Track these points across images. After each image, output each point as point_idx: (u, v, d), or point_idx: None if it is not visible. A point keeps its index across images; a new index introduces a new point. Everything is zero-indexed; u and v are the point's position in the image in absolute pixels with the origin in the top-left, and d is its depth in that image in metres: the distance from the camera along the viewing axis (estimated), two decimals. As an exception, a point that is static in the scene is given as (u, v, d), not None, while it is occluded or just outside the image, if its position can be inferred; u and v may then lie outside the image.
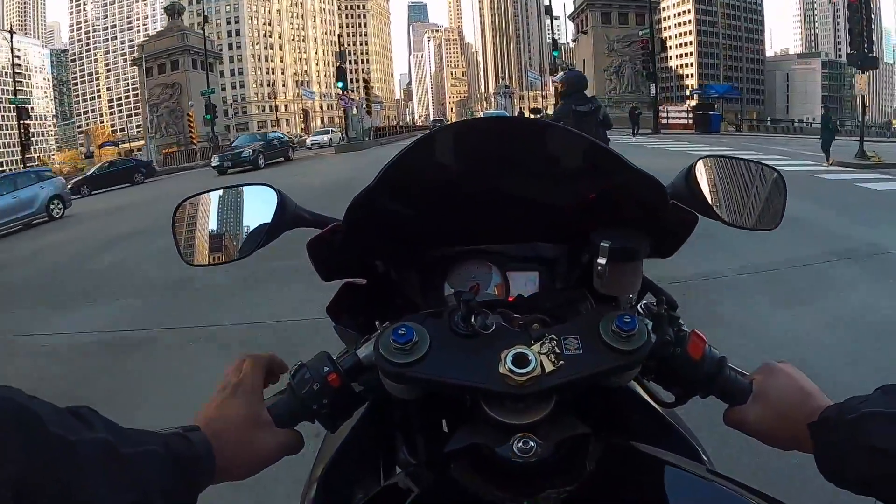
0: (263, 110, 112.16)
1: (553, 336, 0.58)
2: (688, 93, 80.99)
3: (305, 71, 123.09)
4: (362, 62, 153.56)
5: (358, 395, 0.64)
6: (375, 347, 0.58)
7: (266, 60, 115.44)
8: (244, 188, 0.76)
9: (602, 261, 0.66)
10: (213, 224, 0.76)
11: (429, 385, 0.58)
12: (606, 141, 5.57)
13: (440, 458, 0.60)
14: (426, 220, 0.78)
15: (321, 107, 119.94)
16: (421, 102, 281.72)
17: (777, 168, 0.81)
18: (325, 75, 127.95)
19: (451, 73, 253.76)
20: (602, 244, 0.66)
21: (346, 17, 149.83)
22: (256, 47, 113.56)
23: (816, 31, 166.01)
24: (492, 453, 0.55)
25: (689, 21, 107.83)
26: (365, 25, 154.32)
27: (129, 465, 0.46)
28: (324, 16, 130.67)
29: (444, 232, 0.82)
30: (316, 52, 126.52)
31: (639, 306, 0.68)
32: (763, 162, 0.81)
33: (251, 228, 0.74)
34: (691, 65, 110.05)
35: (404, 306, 0.80)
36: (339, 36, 34.19)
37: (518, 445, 0.54)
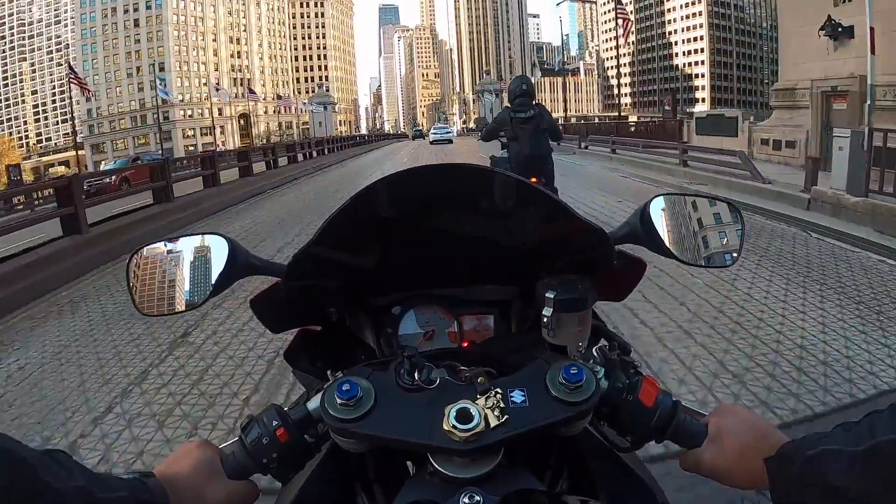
0: (191, 115, 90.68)
1: (498, 390, 0.59)
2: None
3: (247, 66, 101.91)
4: (319, 58, 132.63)
5: (309, 447, 0.64)
6: (321, 402, 0.59)
7: (196, 52, 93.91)
8: (195, 237, 0.76)
9: (547, 312, 0.66)
10: (166, 273, 0.76)
11: (374, 441, 0.59)
12: (549, 151, 5.33)
13: None
14: (374, 268, 0.79)
15: (265, 111, 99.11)
16: (391, 106, 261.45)
17: (731, 201, 0.79)
18: (270, 72, 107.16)
19: (423, 75, 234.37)
20: (547, 295, 0.66)
21: (301, 5, 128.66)
22: (182, 36, 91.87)
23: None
24: None
25: (702, 24, 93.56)
26: (322, 15, 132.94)
27: None
28: (271, 2, 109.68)
29: (394, 278, 0.82)
30: (260, 45, 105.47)
31: (594, 349, 0.67)
32: (718, 195, 0.78)
33: (204, 277, 0.73)
34: (701, 63, 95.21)
35: (361, 352, 0.81)
36: None
37: (464, 501, 0.54)
